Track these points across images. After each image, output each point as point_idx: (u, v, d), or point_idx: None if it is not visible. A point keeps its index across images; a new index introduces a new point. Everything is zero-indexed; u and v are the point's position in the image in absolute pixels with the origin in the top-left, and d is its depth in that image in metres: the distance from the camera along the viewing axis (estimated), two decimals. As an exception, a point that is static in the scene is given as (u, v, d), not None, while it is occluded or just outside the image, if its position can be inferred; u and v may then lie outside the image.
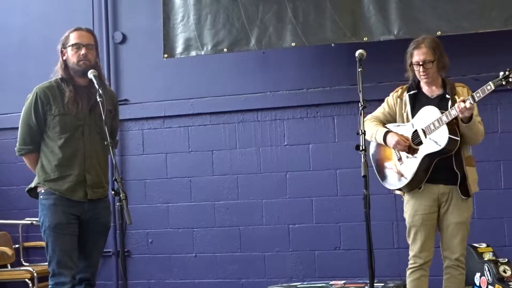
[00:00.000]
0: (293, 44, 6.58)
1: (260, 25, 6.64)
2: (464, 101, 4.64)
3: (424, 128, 4.88)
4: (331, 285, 6.31)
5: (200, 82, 7.34)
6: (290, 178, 7.06)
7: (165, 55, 6.93)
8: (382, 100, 5.21)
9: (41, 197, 4.74)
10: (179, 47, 6.88)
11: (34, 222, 7.12)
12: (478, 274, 5.82)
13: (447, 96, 4.91)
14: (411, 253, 4.99)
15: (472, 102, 4.64)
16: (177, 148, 7.40)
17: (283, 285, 6.61)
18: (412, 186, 4.97)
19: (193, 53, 6.86)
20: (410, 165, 4.93)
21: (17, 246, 7.56)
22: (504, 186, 6.49)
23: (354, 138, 4.62)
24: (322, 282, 6.49)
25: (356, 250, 6.71)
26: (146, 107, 7.48)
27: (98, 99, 4.52)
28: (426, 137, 4.87)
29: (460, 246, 4.91)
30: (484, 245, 6.02)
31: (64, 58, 4.81)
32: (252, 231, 7.14)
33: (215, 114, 7.30)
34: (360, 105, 4.60)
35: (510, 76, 4.60)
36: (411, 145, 4.95)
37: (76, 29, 4.85)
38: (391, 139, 4.99)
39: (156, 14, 7.13)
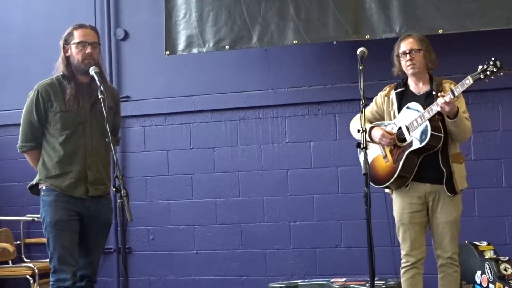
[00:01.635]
0: (295, 41, 6.58)
1: (262, 23, 6.64)
2: (444, 96, 4.65)
3: (407, 125, 4.88)
4: (332, 282, 6.32)
5: (202, 79, 7.34)
6: (291, 175, 7.07)
7: (167, 52, 6.93)
8: (384, 98, 5.23)
9: (42, 193, 4.75)
10: (181, 44, 6.88)
11: (35, 218, 7.14)
12: (479, 272, 5.82)
13: (434, 92, 4.89)
14: (402, 252, 5.01)
15: (452, 97, 4.64)
16: (179, 145, 7.40)
17: (284, 282, 6.61)
18: (399, 184, 4.96)
19: (195, 50, 6.86)
20: (395, 163, 4.94)
21: (18, 242, 7.57)
22: (505, 184, 6.49)
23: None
24: (323, 279, 6.49)
25: (357, 248, 6.71)
26: (147, 104, 7.48)
27: (100, 96, 4.52)
28: (409, 134, 4.86)
29: (451, 244, 4.90)
30: (485, 243, 6.01)
31: (67, 54, 4.81)
32: (253, 228, 7.14)
33: (216, 111, 7.30)
34: (361, 103, 4.60)
35: (488, 69, 4.58)
36: (396, 141, 4.94)
37: (81, 26, 4.84)
38: (376, 133, 5.01)
39: (158, 11, 7.12)
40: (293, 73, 7.07)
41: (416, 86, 5.02)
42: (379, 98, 5.17)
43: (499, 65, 4.57)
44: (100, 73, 4.72)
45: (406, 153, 4.86)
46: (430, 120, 4.75)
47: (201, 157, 7.33)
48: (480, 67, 4.63)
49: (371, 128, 5.04)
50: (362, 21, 6.41)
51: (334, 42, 6.60)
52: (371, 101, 5.26)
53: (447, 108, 4.65)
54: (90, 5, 7.66)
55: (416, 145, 4.82)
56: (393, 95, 5.06)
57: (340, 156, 6.84)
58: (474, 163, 6.51)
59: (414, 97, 4.98)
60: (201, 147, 7.34)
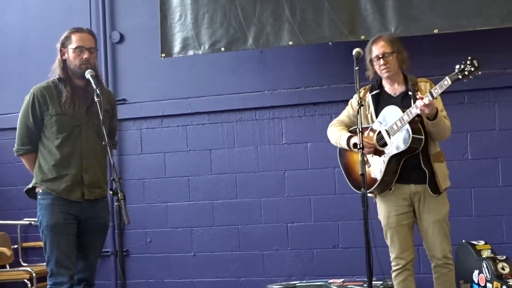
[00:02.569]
0: (290, 42, 6.58)
1: (258, 24, 6.64)
2: (422, 99, 4.61)
3: (387, 129, 4.84)
4: (330, 283, 6.32)
5: (198, 81, 7.34)
6: (288, 176, 7.07)
7: (163, 55, 6.93)
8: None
9: (39, 197, 4.74)
10: (177, 47, 6.88)
11: (32, 222, 7.11)
12: (476, 271, 5.83)
13: (410, 93, 4.85)
14: (392, 255, 4.96)
15: (431, 99, 4.58)
16: (176, 147, 7.40)
17: (282, 283, 6.62)
18: (383, 188, 4.91)
19: (191, 52, 6.86)
20: (378, 167, 4.89)
21: (15, 246, 7.56)
22: (502, 183, 6.49)
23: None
24: (321, 280, 6.49)
25: (354, 248, 6.71)
26: (144, 106, 7.48)
27: (96, 99, 4.52)
28: (390, 137, 4.82)
29: (443, 244, 4.86)
30: (482, 242, 6.02)
31: (64, 57, 4.81)
32: (250, 229, 7.14)
33: (213, 113, 7.30)
34: (357, 103, 4.61)
35: (466, 69, 4.49)
36: (376, 147, 4.89)
37: (78, 30, 4.83)
38: (354, 144, 4.92)
39: (153, 14, 7.12)
40: (289, 74, 7.07)
41: (391, 87, 4.98)
42: (354, 101, 5.02)
43: (476, 64, 4.47)
44: (96, 76, 4.71)
45: (388, 157, 4.82)
46: (410, 122, 4.70)
47: (198, 159, 7.33)
48: (458, 67, 4.54)
49: (349, 138, 4.99)
50: (357, 21, 6.41)
51: (330, 43, 6.60)
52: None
53: (426, 111, 4.60)
54: (86, 8, 7.66)
55: (398, 149, 4.77)
56: (369, 97, 5.01)
57: (337, 157, 6.82)
58: (470, 163, 6.52)
59: (390, 99, 4.94)
60: (198, 149, 7.34)
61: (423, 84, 4.92)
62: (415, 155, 4.77)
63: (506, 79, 6.42)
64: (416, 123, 4.73)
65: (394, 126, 4.78)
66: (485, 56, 6.27)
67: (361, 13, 6.40)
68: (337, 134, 5.10)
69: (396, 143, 4.78)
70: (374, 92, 5.01)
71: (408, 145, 4.71)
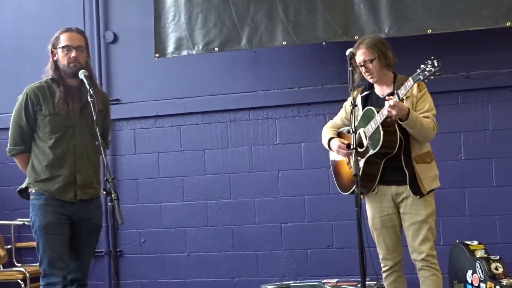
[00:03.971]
0: (284, 43, 6.58)
1: (251, 24, 6.64)
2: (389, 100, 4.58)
3: (364, 130, 4.82)
4: (324, 283, 6.32)
5: (192, 82, 7.34)
6: (282, 176, 7.07)
7: (157, 55, 6.93)
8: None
9: (32, 197, 4.74)
10: (171, 47, 6.88)
11: (26, 222, 7.10)
12: (470, 272, 5.84)
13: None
14: (380, 256, 4.93)
15: (397, 100, 4.55)
16: (169, 147, 7.40)
17: (276, 283, 6.62)
18: (365, 189, 4.87)
19: (185, 52, 6.86)
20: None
21: (9, 246, 7.54)
22: (496, 183, 6.50)
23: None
24: (315, 280, 6.49)
25: (348, 249, 6.71)
26: (138, 106, 7.48)
27: (89, 99, 4.52)
28: (366, 139, 4.80)
29: (424, 245, 4.74)
30: (476, 242, 6.03)
31: (55, 58, 4.81)
32: (244, 230, 7.14)
33: (207, 113, 7.30)
34: (351, 104, 4.61)
35: (426, 69, 4.42)
36: (356, 148, 4.78)
37: (67, 30, 4.83)
38: (333, 145, 5.01)
39: (147, 14, 7.12)
40: (283, 75, 7.07)
41: (380, 88, 4.96)
42: (348, 104, 5.01)
43: (436, 64, 4.39)
44: (90, 76, 4.71)
45: (364, 158, 4.79)
46: (383, 124, 4.66)
47: (192, 159, 7.32)
48: (421, 66, 4.47)
49: (330, 140, 5.03)
50: (351, 21, 6.42)
51: (324, 43, 6.60)
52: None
53: (393, 112, 4.55)
54: (80, 8, 7.65)
55: (371, 150, 4.74)
56: (359, 99, 5.00)
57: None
58: (464, 163, 6.53)
59: (378, 100, 4.91)
60: (191, 149, 7.34)
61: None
62: (396, 157, 4.73)
63: (499, 79, 6.43)
64: (392, 125, 4.68)
65: (369, 127, 4.77)
66: (479, 57, 6.32)
67: (355, 14, 6.41)
68: (325, 137, 5.13)
69: (370, 145, 4.76)
70: (364, 94, 5.01)
71: (379, 147, 4.67)
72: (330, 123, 5.22)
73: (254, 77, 7.16)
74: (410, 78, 4.53)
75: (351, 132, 4.54)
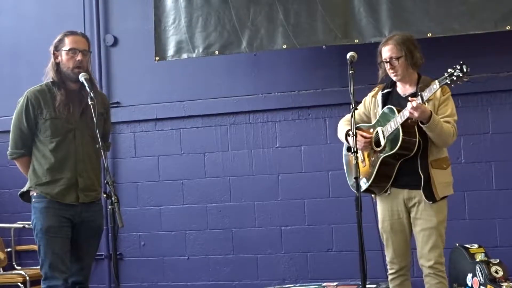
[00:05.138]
0: (284, 46, 6.59)
1: (251, 28, 6.65)
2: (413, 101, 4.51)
3: (383, 129, 4.76)
4: (324, 286, 6.33)
5: (192, 85, 7.34)
6: (282, 180, 7.07)
7: (157, 58, 6.94)
8: (373, 102, 5.21)
9: (33, 200, 4.73)
10: (171, 50, 6.88)
11: (26, 225, 7.13)
12: (470, 275, 5.84)
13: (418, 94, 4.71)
14: (387, 259, 4.87)
15: (420, 102, 4.49)
16: (169, 150, 7.40)
17: (276, 287, 6.63)
18: (378, 189, 4.84)
19: (185, 55, 6.87)
20: (371, 167, 4.82)
21: (9, 249, 7.55)
22: (496, 187, 6.50)
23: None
24: (315, 284, 6.50)
25: (348, 252, 6.71)
26: (138, 109, 7.48)
27: (90, 103, 4.52)
28: (384, 138, 4.74)
29: (433, 253, 4.67)
30: (476, 245, 6.03)
31: (57, 60, 4.80)
32: (244, 233, 7.14)
33: (207, 116, 7.31)
34: (351, 107, 4.59)
35: (454, 74, 4.38)
36: (373, 146, 4.82)
37: (72, 33, 4.83)
38: (351, 138, 4.81)
39: (147, 17, 7.13)
40: (283, 78, 7.08)
41: (402, 88, 4.87)
42: (367, 99, 5.03)
43: (465, 70, 4.36)
44: (90, 80, 4.71)
45: (381, 158, 4.73)
46: (403, 125, 4.60)
47: (191, 163, 7.33)
48: (448, 70, 4.43)
49: (347, 132, 4.88)
50: (351, 25, 6.43)
51: (324, 47, 6.60)
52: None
53: (416, 114, 4.49)
54: (80, 11, 7.65)
55: (389, 150, 4.68)
56: (379, 96, 4.93)
57: (330, 160, 6.85)
58: (464, 166, 6.53)
59: (399, 99, 4.83)
60: (191, 153, 7.34)
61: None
62: (413, 159, 4.67)
63: (499, 83, 6.44)
64: (412, 126, 4.62)
65: (388, 127, 4.70)
66: (478, 60, 6.32)
67: (355, 17, 6.41)
68: (341, 129, 5.02)
69: (388, 145, 4.71)
70: (385, 91, 4.92)
71: (397, 148, 4.62)
72: (347, 117, 5.06)
73: (254, 80, 7.17)
74: (436, 81, 4.48)
75: (352, 134, 4.51)
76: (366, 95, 5.27)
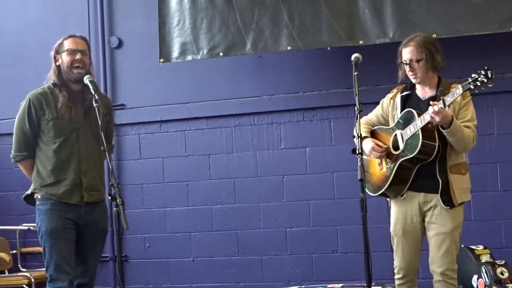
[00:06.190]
0: (289, 47, 6.59)
1: (256, 29, 6.65)
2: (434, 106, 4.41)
3: (402, 132, 4.68)
4: (329, 288, 6.33)
5: (197, 86, 7.35)
6: (287, 181, 7.07)
7: (161, 60, 6.94)
8: (378, 103, 5.14)
9: (38, 202, 4.74)
10: (175, 52, 6.89)
11: (31, 227, 7.12)
12: (475, 276, 5.83)
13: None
14: (394, 262, 4.80)
15: (442, 107, 4.40)
16: (174, 152, 7.41)
17: (281, 288, 6.63)
18: (394, 193, 4.77)
19: (189, 57, 6.87)
20: (388, 171, 4.76)
21: (14, 252, 7.56)
22: (501, 188, 6.50)
23: (351, 142, 4.59)
24: (320, 285, 6.49)
25: (353, 253, 6.71)
26: (142, 111, 7.49)
27: (94, 105, 4.52)
28: (403, 142, 4.67)
29: (445, 259, 4.57)
30: (481, 247, 6.02)
31: (58, 63, 4.82)
32: (249, 234, 7.14)
33: (211, 118, 7.31)
34: (356, 109, 4.55)
35: (479, 79, 4.32)
36: (391, 150, 4.75)
37: (70, 36, 4.87)
38: (366, 146, 4.81)
39: (152, 19, 7.13)
40: (288, 79, 7.08)
41: (422, 90, 4.77)
42: (385, 101, 4.94)
43: (489, 76, 4.30)
44: (94, 82, 4.72)
45: (398, 162, 4.67)
46: (424, 129, 4.53)
47: (196, 164, 7.33)
48: (472, 75, 4.36)
49: (364, 138, 4.77)
50: (355, 26, 6.42)
51: (328, 48, 6.61)
52: (366, 107, 5.11)
53: (437, 118, 4.40)
54: (84, 13, 7.67)
55: (407, 154, 4.60)
56: (398, 98, 4.85)
57: (335, 162, 6.85)
58: (469, 167, 6.50)
59: (418, 102, 4.74)
60: (196, 154, 7.35)
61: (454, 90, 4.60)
62: (431, 163, 4.58)
63: (505, 84, 6.42)
64: (432, 131, 4.53)
65: (408, 131, 4.63)
66: (483, 61, 6.30)
67: (360, 18, 6.41)
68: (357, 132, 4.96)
69: (407, 148, 4.63)
70: (404, 93, 4.83)
71: (416, 152, 4.53)
72: (364, 119, 4.99)
73: (259, 82, 7.17)
74: (459, 86, 4.41)
75: (357, 137, 4.49)
76: (371, 96, 5.27)
